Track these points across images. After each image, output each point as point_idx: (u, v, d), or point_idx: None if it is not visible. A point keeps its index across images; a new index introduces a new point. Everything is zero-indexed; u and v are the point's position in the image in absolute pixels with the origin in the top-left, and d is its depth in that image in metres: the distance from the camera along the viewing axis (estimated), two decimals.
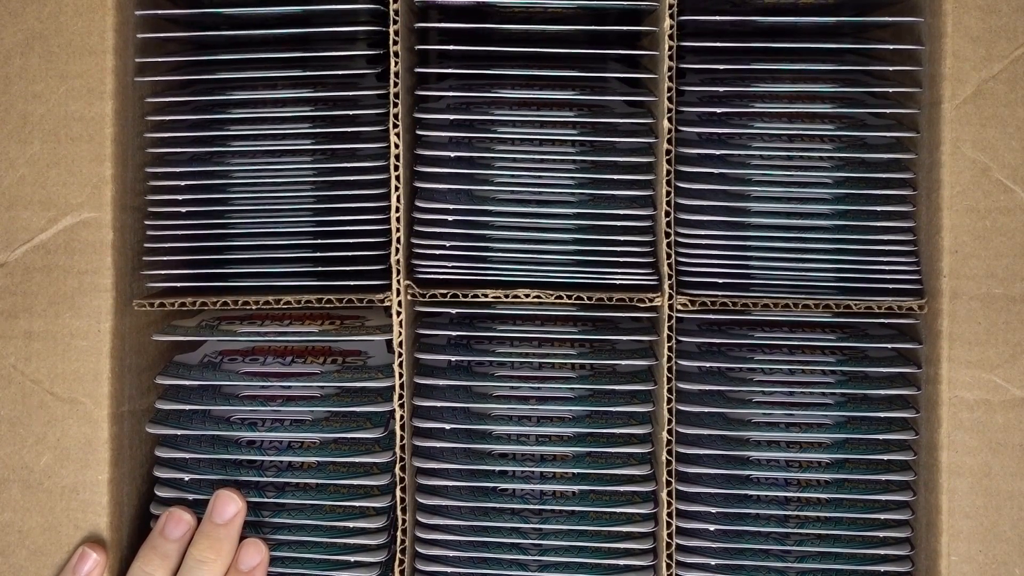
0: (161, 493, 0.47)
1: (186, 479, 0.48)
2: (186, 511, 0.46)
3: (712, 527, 0.48)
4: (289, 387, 0.49)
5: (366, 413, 0.48)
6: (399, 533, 0.47)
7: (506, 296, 0.48)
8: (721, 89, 0.49)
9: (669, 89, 0.47)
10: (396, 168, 0.46)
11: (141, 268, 0.48)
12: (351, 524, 0.47)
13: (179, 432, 0.48)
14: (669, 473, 0.47)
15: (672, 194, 0.47)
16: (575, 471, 0.48)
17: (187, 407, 0.48)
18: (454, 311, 0.51)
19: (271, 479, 0.47)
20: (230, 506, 0.46)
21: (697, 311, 0.48)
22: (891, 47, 0.50)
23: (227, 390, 0.49)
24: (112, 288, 0.46)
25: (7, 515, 0.45)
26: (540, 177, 0.48)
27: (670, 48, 0.46)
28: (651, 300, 0.48)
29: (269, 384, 0.49)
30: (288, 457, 0.48)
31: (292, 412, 0.48)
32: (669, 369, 0.47)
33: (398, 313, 0.47)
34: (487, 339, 0.50)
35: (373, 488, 0.48)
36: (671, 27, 0.46)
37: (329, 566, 0.47)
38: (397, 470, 0.47)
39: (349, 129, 0.49)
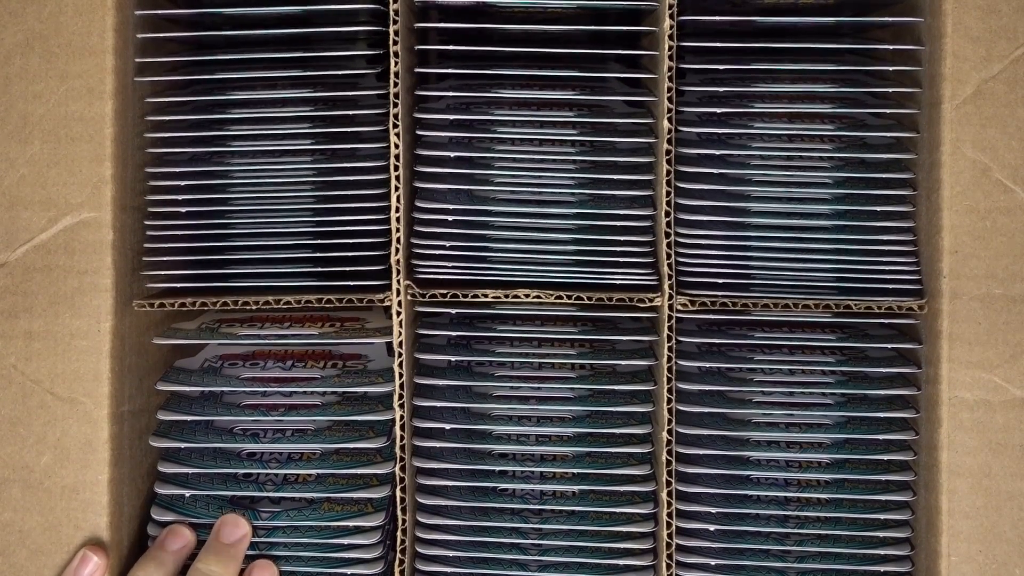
0: (159, 517, 0.47)
1: (187, 495, 0.47)
2: (186, 527, 0.46)
3: (712, 527, 0.48)
4: (291, 394, 0.49)
5: (369, 422, 0.48)
6: (399, 533, 0.47)
7: (506, 296, 0.48)
8: (721, 89, 0.49)
9: (669, 89, 0.47)
10: (396, 168, 0.46)
11: (141, 268, 0.48)
12: (347, 538, 0.47)
13: (182, 445, 0.48)
14: (669, 473, 0.47)
15: (672, 194, 0.47)
16: (575, 471, 0.48)
17: (189, 418, 0.48)
18: (454, 311, 0.51)
19: (269, 494, 0.47)
20: (237, 530, 0.46)
21: (697, 311, 0.48)
22: (891, 47, 0.50)
23: (228, 398, 0.49)
24: (112, 288, 0.46)
25: (7, 515, 0.45)
26: (540, 177, 0.48)
27: (670, 48, 0.46)
28: (651, 300, 0.48)
29: (270, 390, 0.49)
30: (289, 470, 0.48)
31: (294, 422, 0.48)
32: (669, 369, 0.47)
33: (398, 313, 0.47)
34: (487, 339, 0.50)
35: (368, 503, 0.47)
36: (671, 27, 0.46)
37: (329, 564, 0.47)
38: (397, 470, 0.47)
39: (349, 129, 0.49)
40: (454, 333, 0.50)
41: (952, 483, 0.45)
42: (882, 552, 0.47)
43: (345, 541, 0.46)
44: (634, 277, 0.48)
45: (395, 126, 0.46)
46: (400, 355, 0.47)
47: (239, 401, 0.49)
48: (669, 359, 0.47)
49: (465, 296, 0.48)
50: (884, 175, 0.48)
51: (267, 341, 0.50)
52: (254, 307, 0.48)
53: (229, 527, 0.46)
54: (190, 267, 0.49)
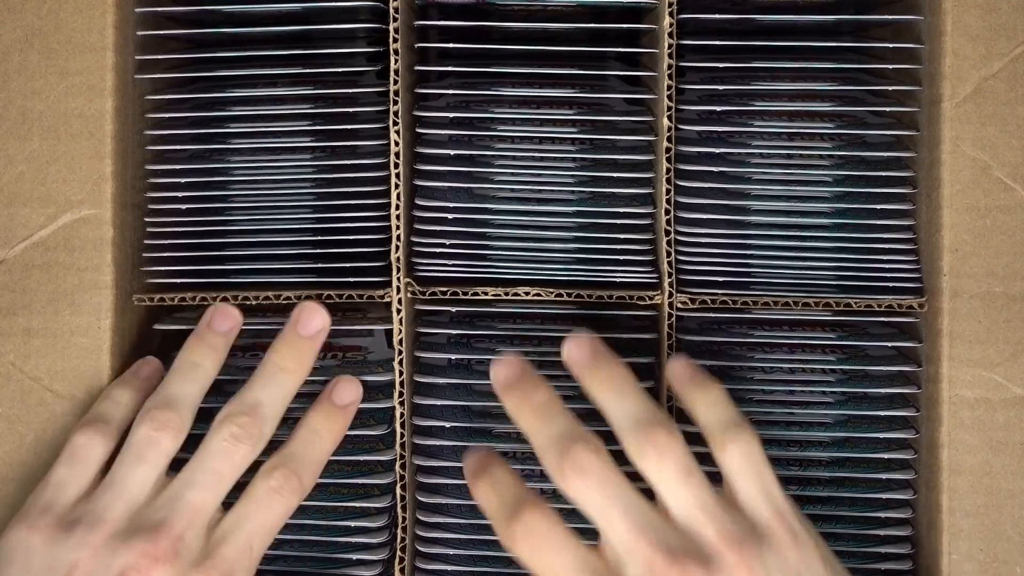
0: None
1: None
2: (234, 307, 0.42)
3: None
4: None
5: (369, 410, 0.48)
6: (399, 531, 0.47)
7: (506, 294, 0.48)
8: (721, 87, 0.49)
9: (669, 87, 0.47)
10: (396, 166, 0.46)
11: (141, 265, 0.48)
12: (354, 521, 0.47)
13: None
14: None
15: (672, 192, 0.47)
16: None
17: None
18: (454, 309, 0.51)
19: None
20: (316, 318, 0.40)
21: (697, 309, 0.48)
22: (891, 45, 0.50)
23: (228, 387, 0.49)
24: (112, 285, 0.45)
25: (5, 514, 0.45)
26: (540, 175, 0.48)
27: (670, 46, 0.46)
28: (651, 298, 0.48)
29: None
30: None
31: (294, 409, 0.48)
32: None
33: (398, 311, 0.47)
34: (487, 337, 0.50)
35: (375, 488, 0.47)
36: (671, 25, 0.46)
37: (330, 564, 0.47)
38: (397, 467, 0.47)
39: (349, 127, 0.48)
40: (454, 331, 0.50)
41: (953, 481, 0.45)
42: (883, 550, 0.47)
43: (352, 524, 0.46)
44: (634, 275, 0.48)
45: (395, 124, 0.46)
46: (400, 353, 0.47)
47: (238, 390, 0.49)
48: (669, 357, 0.47)
49: (465, 294, 0.48)
50: (884, 173, 0.48)
51: (267, 328, 0.50)
52: (254, 302, 0.48)
53: (308, 314, 0.40)
54: (190, 264, 0.49)
